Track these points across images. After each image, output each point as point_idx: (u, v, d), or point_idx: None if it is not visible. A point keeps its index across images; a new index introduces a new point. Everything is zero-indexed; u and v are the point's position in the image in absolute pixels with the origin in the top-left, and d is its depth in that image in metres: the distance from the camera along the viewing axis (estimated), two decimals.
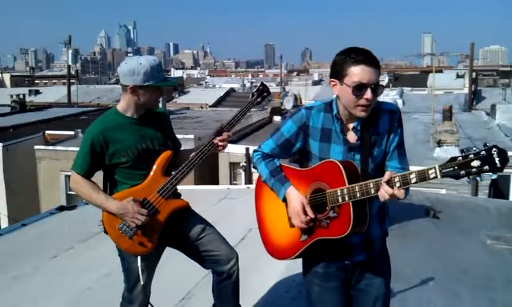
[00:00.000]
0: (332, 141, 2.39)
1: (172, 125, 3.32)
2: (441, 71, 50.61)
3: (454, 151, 14.56)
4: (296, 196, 2.39)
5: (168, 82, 3.07)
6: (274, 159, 2.54)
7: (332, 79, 2.35)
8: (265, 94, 3.20)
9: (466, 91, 34.62)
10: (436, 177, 2.04)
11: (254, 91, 3.23)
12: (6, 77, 64.14)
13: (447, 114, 15.48)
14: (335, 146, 2.38)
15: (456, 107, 25.96)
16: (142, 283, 3.01)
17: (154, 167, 2.98)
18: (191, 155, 3.04)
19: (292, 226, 2.46)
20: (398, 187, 2.14)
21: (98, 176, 3.03)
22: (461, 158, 1.98)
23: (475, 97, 34.85)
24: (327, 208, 2.32)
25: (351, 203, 2.24)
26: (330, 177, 2.30)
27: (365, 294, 2.54)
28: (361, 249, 2.46)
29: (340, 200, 2.27)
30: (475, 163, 1.95)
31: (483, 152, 1.94)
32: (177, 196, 3.14)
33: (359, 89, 2.22)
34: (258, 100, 3.19)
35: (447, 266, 4.85)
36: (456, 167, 1.99)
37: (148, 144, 3.02)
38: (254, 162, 2.60)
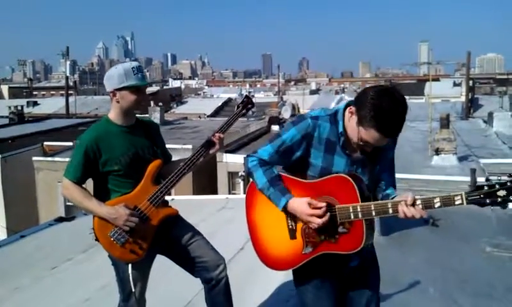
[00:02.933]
0: (336, 153, 2.39)
1: (161, 134, 3.34)
2: (438, 80, 50.80)
3: (452, 159, 14.60)
4: (301, 202, 2.33)
5: (142, 81, 3.06)
6: (272, 167, 2.47)
7: (352, 107, 2.28)
8: (249, 106, 3.24)
9: (463, 99, 34.76)
10: (462, 204, 2.10)
11: (239, 102, 3.28)
12: (4, 89, 64.17)
13: (445, 122, 15.56)
14: (338, 158, 2.38)
15: (453, 115, 26.06)
16: (133, 290, 3.01)
17: (144, 175, 3.01)
18: (180, 164, 3.06)
19: (293, 237, 2.42)
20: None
21: (89, 186, 3.05)
22: (487, 187, 2.06)
23: (472, 105, 34.99)
24: (337, 223, 2.31)
25: (364, 220, 2.26)
26: (341, 192, 2.29)
27: (358, 296, 2.56)
28: (356, 255, 2.45)
29: (352, 217, 2.26)
30: (501, 193, 2.04)
31: (509, 183, 2.04)
32: (165, 204, 3.14)
33: (366, 143, 2.25)
34: (243, 111, 3.23)
35: (446, 274, 4.85)
36: (482, 196, 2.07)
37: (139, 153, 3.05)
38: (249, 167, 2.49)
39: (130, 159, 3.00)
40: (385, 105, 2.13)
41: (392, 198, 2.35)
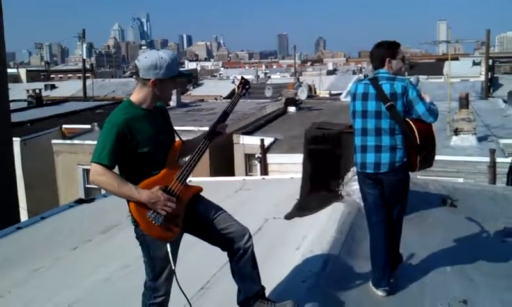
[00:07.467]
0: None
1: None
2: (457, 59, 49.99)
3: (471, 140, 14.41)
4: None
5: (187, 74, 3.19)
6: None
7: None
8: (247, 86, 3.41)
9: (482, 78, 34.17)
10: None
11: (238, 84, 3.43)
12: (22, 72, 64.69)
13: (464, 102, 15.29)
14: None
15: (473, 95, 25.66)
16: (174, 267, 3.07)
17: (169, 156, 3.10)
18: (193, 143, 3.22)
19: None
20: None
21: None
22: None
23: (491, 84, 34.36)
24: None
25: None
26: None
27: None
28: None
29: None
30: None
31: None
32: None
33: None
34: (243, 91, 3.39)
35: (463, 254, 4.83)
36: None
37: (162, 135, 3.12)
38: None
39: (159, 141, 3.06)
40: None
41: None
